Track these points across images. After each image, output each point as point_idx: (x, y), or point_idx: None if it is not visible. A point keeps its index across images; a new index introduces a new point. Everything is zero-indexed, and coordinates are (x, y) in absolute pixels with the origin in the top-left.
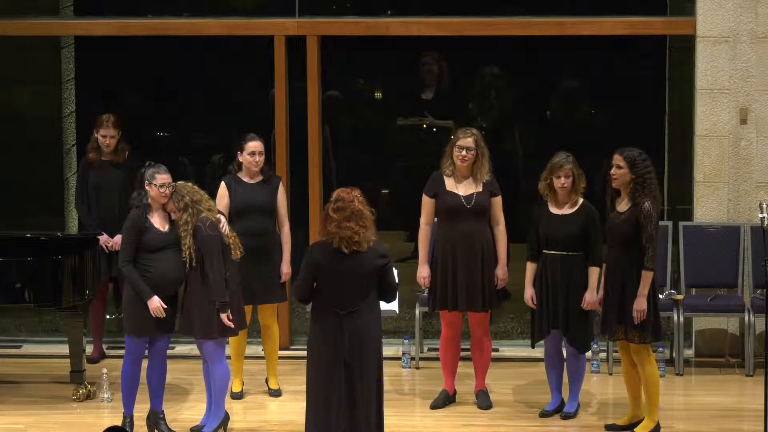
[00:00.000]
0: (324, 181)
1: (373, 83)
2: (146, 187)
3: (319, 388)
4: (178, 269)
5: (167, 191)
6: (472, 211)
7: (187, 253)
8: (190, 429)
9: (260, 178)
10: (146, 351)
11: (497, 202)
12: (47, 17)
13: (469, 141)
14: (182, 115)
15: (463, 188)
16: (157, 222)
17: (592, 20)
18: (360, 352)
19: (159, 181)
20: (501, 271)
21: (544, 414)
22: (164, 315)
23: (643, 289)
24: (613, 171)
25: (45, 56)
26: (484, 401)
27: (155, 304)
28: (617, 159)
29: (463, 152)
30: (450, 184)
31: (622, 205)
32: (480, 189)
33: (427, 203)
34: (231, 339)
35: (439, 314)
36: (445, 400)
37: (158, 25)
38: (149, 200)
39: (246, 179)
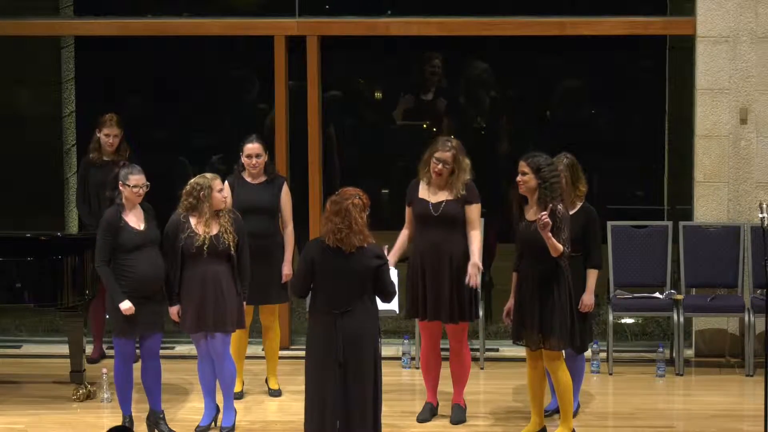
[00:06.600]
0: (325, 181)
1: (373, 83)
2: (120, 188)
3: (315, 387)
4: (157, 268)
5: (140, 192)
6: (440, 220)
7: (230, 239)
8: (195, 429)
9: (264, 178)
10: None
11: (473, 209)
12: (47, 17)
13: (447, 155)
14: (182, 115)
15: (434, 196)
16: (133, 221)
17: (592, 20)
18: (354, 352)
19: (132, 181)
20: (472, 262)
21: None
22: (133, 313)
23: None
24: (518, 177)
25: (45, 56)
26: (456, 416)
27: (125, 306)
28: (522, 165)
29: (439, 165)
30: (423, 191)
31: (531, 214)
32: (451, 197)
33: (407, 210)
34: (232, 339)
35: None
36: (431, 412)
37: (158, 25)
38: (123, 200)
39: (249, 180)
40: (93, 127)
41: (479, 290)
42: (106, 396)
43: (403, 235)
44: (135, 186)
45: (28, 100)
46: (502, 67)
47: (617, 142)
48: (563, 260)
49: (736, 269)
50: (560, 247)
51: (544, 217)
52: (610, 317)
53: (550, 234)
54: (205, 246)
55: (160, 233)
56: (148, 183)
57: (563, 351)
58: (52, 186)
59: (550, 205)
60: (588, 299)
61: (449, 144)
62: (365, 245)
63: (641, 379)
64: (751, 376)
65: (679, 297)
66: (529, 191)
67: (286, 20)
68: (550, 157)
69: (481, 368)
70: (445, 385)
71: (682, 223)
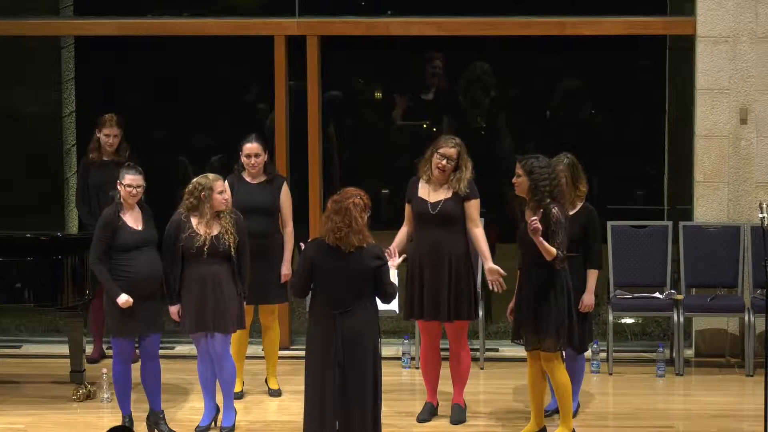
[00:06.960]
0: (325, 181)
1: (373, 83)
2: (118, 187)
3: (314, 388)
4: (155, 268)
5: (135, 191)
6: (438, 218)
7: (231, 240)
8: (195, 429)
9: (263, 178)
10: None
11: (472, 204)
12: (47, 17)
13: (451, 151)
14: (182, 115)
15: (433, 194)
16: (131, 221)
17: (592, 20)
18: (353, 352)
19: (126, 180)
20: (488, 268)
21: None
22: (131, 312)
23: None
24: (514, 179)
25: (45, 56)
26: (456, 416)
27: (123, 299)
28: (517, 167)
29: (444, 161)
30: (422, 189)
31: (529, 215)
32: (449, 195)
33: (406, 208)
34: (232, 339)
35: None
36: (431, 412)
37: (158, 25)
38: (121, 199)
39: (249, 179)
40: (93, 127)
41: (479, 290)
42: (106, 396)
43: (402, 232)
44: (128, 185)
45: (28, 100)
46: (502, 67)
47: (617, 142)
48: (558, 262)
49: (736, 269)
50: (553, 251)
51: (534, 222)
52: (610, 317)
53: (541, 238)
54: (206, 246)
55: (158, 234)
56: (144, 185)
57: (562, 351)
58: (52, 186)
59: (542, 209)
60: (588, 299)
61: (454, 141)
62: (365, 245)
63: (641, 379)
64: (751, 376)
65: (679, 297)
66: (524, 192)
67: (286, 20)
68: (548, 159)
69: (481, 368)
70: (445, 385)
71: (682, 223)
